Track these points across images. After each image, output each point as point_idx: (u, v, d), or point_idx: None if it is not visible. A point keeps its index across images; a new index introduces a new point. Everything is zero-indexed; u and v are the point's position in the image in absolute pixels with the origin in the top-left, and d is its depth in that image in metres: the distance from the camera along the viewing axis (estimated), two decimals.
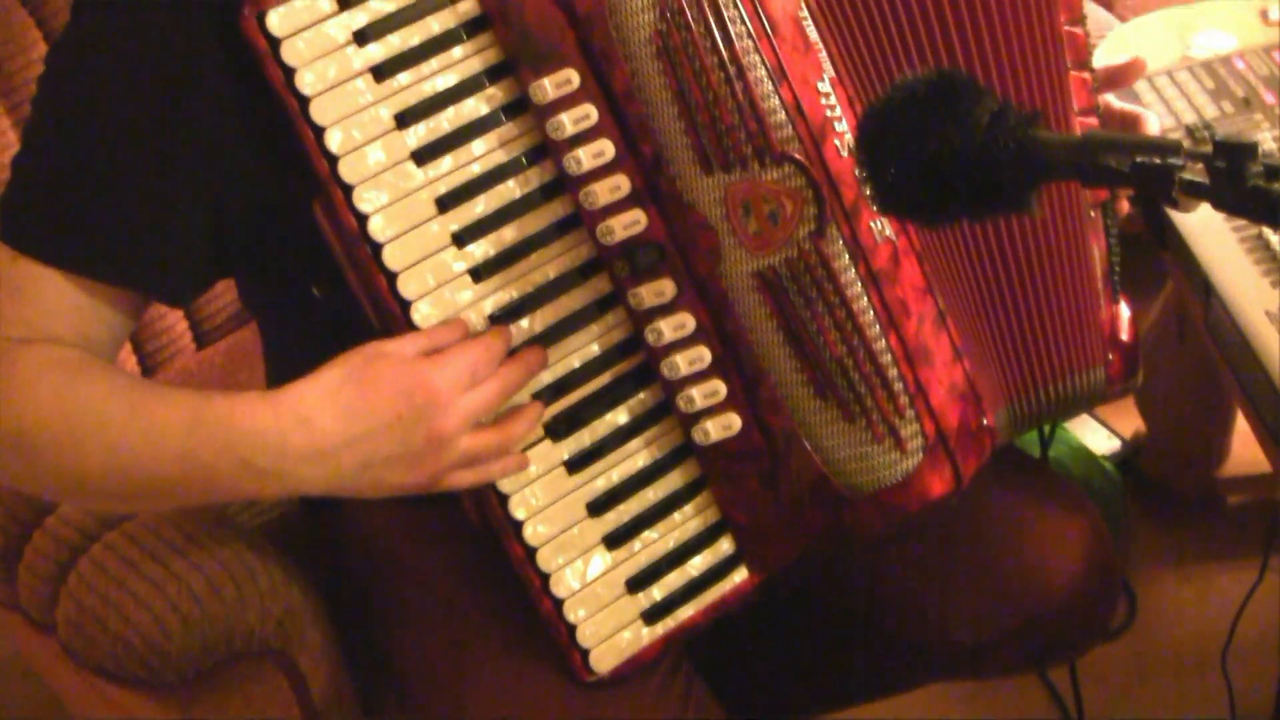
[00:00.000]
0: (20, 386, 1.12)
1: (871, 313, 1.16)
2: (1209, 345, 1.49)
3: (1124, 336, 1.34)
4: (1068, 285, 1.29)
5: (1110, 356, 1.32)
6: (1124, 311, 1.34)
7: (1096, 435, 2.40)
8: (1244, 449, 2.26)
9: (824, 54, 1.16)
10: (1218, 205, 0.92)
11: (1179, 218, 1.52)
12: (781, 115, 1.13)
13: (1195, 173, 0.91)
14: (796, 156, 1.13)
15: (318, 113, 1.10)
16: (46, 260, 1.14)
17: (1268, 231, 1.46)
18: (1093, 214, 1.31)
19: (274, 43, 1.09)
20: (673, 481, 1.24)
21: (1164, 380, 1.46)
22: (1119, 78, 1.39)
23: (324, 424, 1.09)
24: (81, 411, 1.11)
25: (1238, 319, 1.41)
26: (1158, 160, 0.92)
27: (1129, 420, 2.37)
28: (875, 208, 1.14)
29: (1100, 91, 1.36)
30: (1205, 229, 1.50)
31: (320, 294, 1.23)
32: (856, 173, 1.15)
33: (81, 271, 1.14)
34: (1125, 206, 1.38)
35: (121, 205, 1.14)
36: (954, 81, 0.99)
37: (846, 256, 1.15)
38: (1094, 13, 1.89)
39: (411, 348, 1.11)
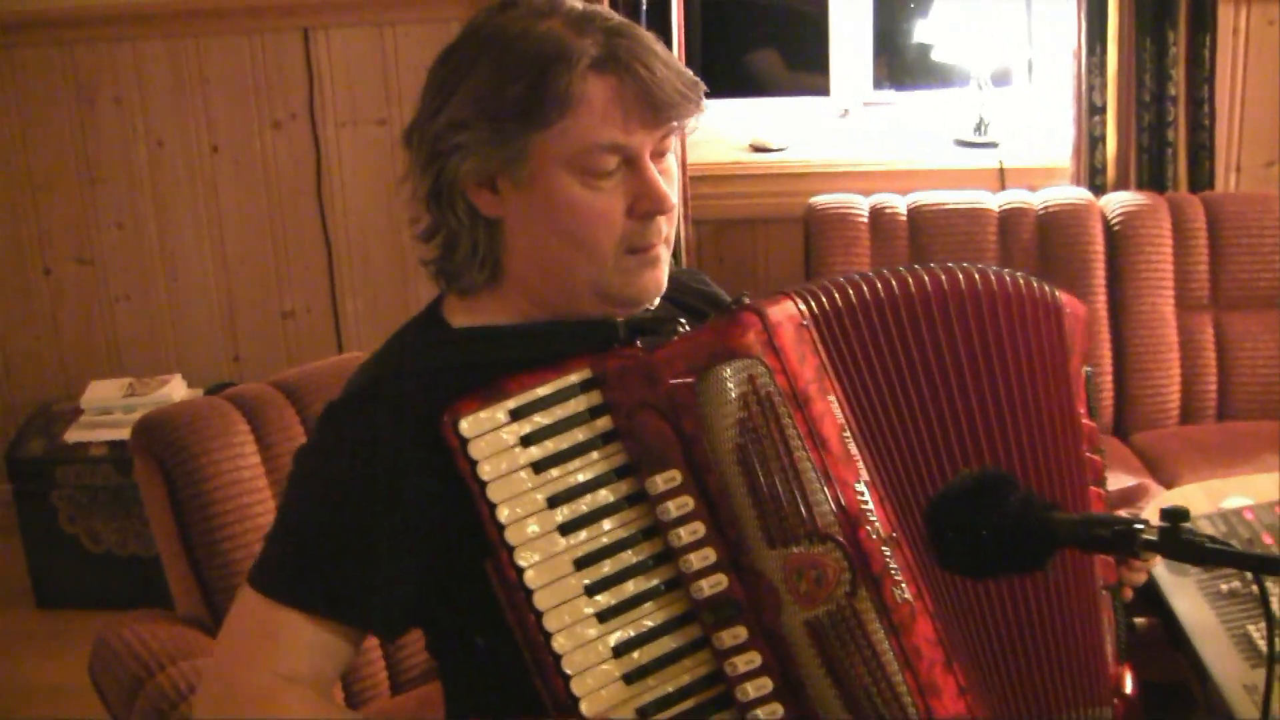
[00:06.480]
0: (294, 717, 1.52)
1: (891, 654, 1.52)
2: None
3: (1128, 690, 1.68)
4: (1079, 636, 1.64)
5: (1116, 701, 1.66)
6: (1128, 674, 1.69)
7: None
8: None
9: (861, 463, 1.57)
10: (1165, 555, 1.36)
11: (1189, 628, 1.92)
12: (826, 507, 1.53)
13: (1151, 534, 1.35)
14: (837, 538, 1.53)
15: (493, 494, 1.52)
16: (293, 604, 1.56)
17: (1251, 629, 1.82)
18: (1104, 591, 1.68)
19: (464, 442, 1.52)
20: None
21: None
22: (1130, 497, 1.79)
23: None
24: None
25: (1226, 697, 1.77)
26: (1125, 528, 1.37)
27: None
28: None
29: (1115, 509, 1.76)
30: (1205, 634, 1.91)
31: (482, 643, 1.62)
32: (885, 548, 1.54)
33: (319, 610, 1.56)
34: (1129, 593, 1.75)
35: (348, 564, 1.57)
36: (995, 477, 1.43)
37: (873, 611, 1.52)
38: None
39: None
